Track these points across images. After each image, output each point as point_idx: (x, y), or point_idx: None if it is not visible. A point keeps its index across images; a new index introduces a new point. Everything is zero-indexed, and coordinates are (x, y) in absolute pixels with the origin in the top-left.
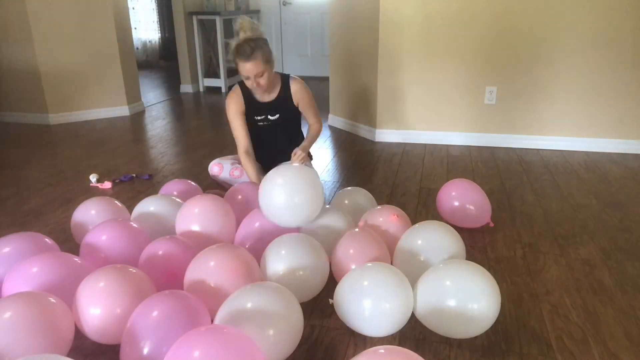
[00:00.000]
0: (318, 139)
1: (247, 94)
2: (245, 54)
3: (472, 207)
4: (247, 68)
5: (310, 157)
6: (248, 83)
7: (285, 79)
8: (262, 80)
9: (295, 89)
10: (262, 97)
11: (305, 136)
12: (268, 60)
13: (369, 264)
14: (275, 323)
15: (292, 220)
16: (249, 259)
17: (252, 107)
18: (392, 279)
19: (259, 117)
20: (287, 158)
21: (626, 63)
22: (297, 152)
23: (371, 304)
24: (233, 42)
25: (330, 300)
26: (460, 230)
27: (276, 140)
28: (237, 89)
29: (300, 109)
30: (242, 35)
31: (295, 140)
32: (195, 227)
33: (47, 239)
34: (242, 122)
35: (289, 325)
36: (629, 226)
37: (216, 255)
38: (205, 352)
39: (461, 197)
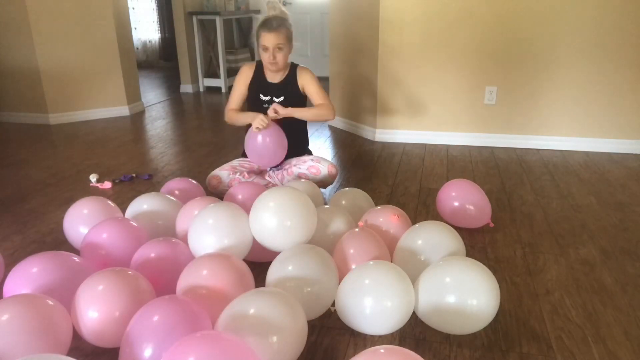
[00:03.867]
0: (322, 117)
1: (259, 70)
2: (272, 26)
3: (472, 207)
4: (270, 38)
5: (309, 152)
6: (265, 56)
7: (293, 65)
8: (279, 55)
9: (301, 73)
10: (271, 78)
11: (308, 138)
12: (289, 39)
13: (370, 262)
14: (279, 330)
15: (284, 244)
16: (243, 267)
17: (260, 84)
18: (393, 276)
19: (264, 98)
20: (287, 154)
21: (626, 63)
22: (275, 106)
23: (372, 302)
24: (261, 17)
25: (332, 308)
26: (460, 230)
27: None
28: (252, 63)
29: (308, 94)
30: (271, 12)
31: (299, 135)
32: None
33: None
34: (243, 91)
35: (293, 333)
36: (629, 226)
37: (209, 264)
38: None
39: (461, 197)
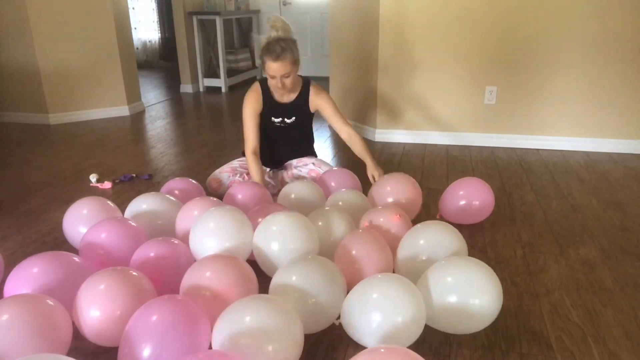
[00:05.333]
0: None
1: (267, 94)
2: (275, 53)
3: (476, 203)
4: (275, 68)
5: (314, 154)
6: (272, 82)
7: (306, 83)
8: (287, 81)
9: (316, 96)
10: (281, 98)
11: (314, 137)
12: (295, 62)
13: (379, 275)
14: (275, 338)
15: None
16: (247, 269)
17: (270, 107)
18: (403, 290)
19: (276, 120)
20: (291, 157)
21: (626, 63)
22: (376, 176)
23: (381, 317)
24: (264, 39)
25: (337, 321)
26: (460, 230)
27: (288, 142)
28: (257, 88)
29: (324, 115)
30: (273, 34)
31: (306, 142)
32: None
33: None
34: (255, 122)
35: (288, 340)
36: (629, 226)
37: (213, 265)
38: None
39: (467, 195)
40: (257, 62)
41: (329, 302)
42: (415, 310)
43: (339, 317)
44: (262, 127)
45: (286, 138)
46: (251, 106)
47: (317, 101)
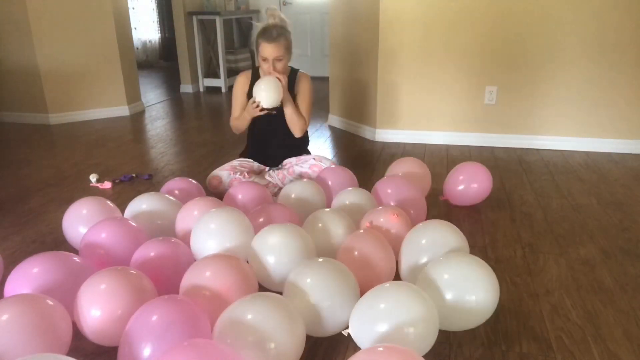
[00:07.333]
0: (295, 124)
1: (256, 76)
2: (271, 36)
3: (475, 185)
4: (269, 50)
5: (308, 152)
6: (265, 66)
7: (294, 71)
8: (279, 66)
9: (300, 80)
10: None
11: (309, 138)
12: (288, 49)
13: (387, 284)
14: (276, 337)
15: (281, 279)
16: (247, 269)
17: None
18: (416, 299)
19: None
20: (286, 154)
21: (626, 63)
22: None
23: (390, 327)
24: (260, 25)
25: (345, 332)
26: (460, 229)
27: (276, 132)
28: (248, 71)
29: (297, 100)
30: (271, 21)
31: (300, 140)
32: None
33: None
34: (242, 101)
35: (290, 339)
36: (629, 226)
37: (213, 265)
38: None
39: (467, 178)
40: (257, 62)
41: (342, 308)
42: (429, 318)
43: (347, 327)
44: (254, 119)
45: (276, 131)
46: (240, 85)
47: (300, 84)
